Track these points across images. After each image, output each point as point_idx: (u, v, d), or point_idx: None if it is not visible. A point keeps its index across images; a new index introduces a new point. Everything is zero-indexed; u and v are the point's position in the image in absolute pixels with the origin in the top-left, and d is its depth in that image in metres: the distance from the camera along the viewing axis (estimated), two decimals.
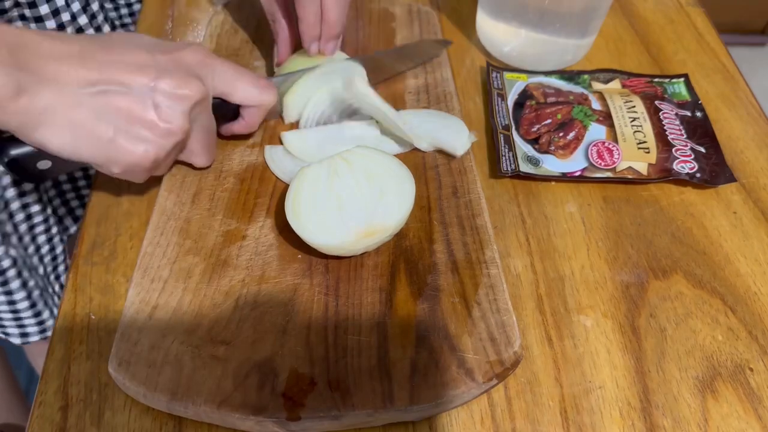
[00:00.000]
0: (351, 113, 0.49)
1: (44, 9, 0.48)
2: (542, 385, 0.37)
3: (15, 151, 0.37)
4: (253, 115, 0.44)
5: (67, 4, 0.50)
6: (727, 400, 0.36)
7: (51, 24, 0.49)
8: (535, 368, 0.37)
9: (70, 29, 0.51)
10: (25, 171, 0.38)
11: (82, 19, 0.52)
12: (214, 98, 0.42)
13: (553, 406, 0.36)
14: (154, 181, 0.47)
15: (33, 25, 0.49)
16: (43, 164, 0.38)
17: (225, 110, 0.44)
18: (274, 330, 0.37)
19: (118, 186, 0.47)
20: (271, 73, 0.53)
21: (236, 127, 0.45)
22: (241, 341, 0.36)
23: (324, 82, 0.48)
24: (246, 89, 0.42)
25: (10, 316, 0.56)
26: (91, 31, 0.53)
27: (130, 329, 0.37)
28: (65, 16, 0.50)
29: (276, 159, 0.46)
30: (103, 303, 0.40)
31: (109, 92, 0.35)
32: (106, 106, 0.35)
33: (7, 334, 0.59)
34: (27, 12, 0.48)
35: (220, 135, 0.46)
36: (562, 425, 0.35)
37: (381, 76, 0.52)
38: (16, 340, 0.59)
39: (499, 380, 0.35)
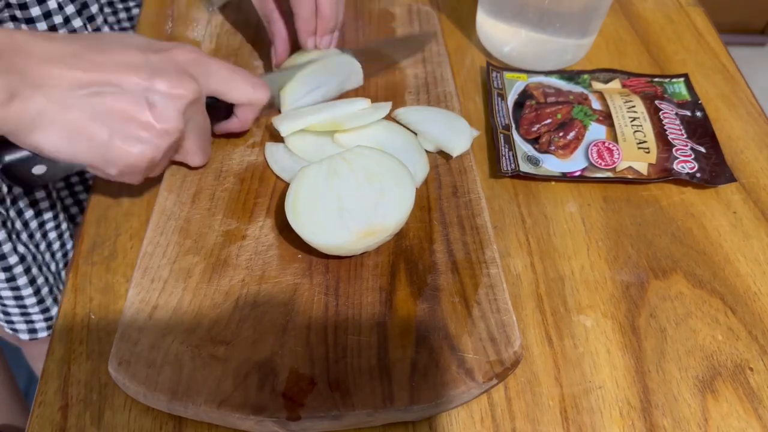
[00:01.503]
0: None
1: (36, 11, 0.48)
2: (542, 385, 0.37)
3: (9, 157, 0.36)
4: (246, 113, 0.44)
5: (60, 7, 0.49)
6: (727, 400, 0.36)
7: (42, 26, 0.49)
8: (535, 368, 0.37)
9: (63, 31, 0.50)
10: (19, 177, 0.38)
11: (77, 22, 0.51)
12: (207, 97, 0.42)
13: (553, 406, 0.36)
14: (153, 181, 0.47)
15: (24, 26, 0.49)
16: (38, 169, 0.38)
17: (218, 109, 0.43)
18: (274, 330, 0.37)
19: (118, 186, 0.47)
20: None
21: (230, 125, 0.45)
22: (241, 341, 0.36)
23: (321, 76, 0.49)
24: (239, 87, 0.42)
25: (17, 311, 0.57)
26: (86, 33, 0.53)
27: (130, 329, 0.37)
28: (57, 19, 0.49)
29: (277, 157, 0.46)
30: (103, 303, 0.40)
31: (103, 93, 0.35)
32: (100, 108, 0.35)
33: (15, 330, 0.59)
34: (18, 13, 0.47)
35: (214, 134, 0.46)
36: (562, 425, 0.35)
37: (377, 66, 0.52)
38: (25, 336, 0.59)
39: (499, 380, 0.35)
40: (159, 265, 0.40)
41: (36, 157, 0.37)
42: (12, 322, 0.58)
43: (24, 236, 0.52)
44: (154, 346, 0.36)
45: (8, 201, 0.50)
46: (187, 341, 0.36)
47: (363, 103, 0.47)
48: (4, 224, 0.50)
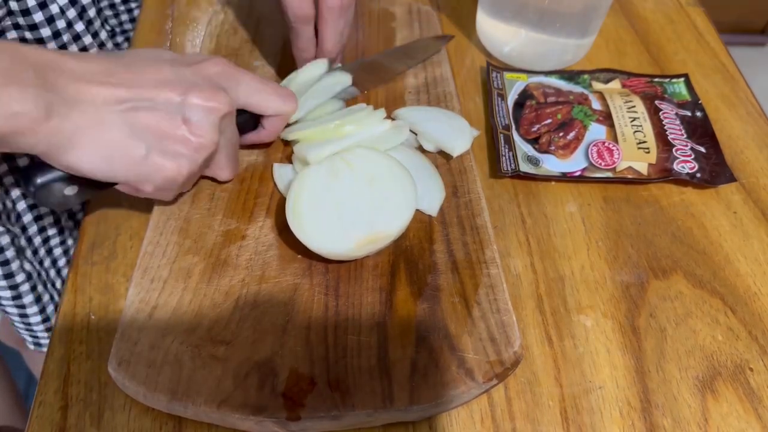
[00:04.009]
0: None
1: (38, 17, 0.47)
2: (542, 385, 0.37)
3: (42, 179, 0.36)
4: (275, 124, 0.44)
5: (62, 12, 0.49)
6: (727, 400, 0.36)
7: (46, 32, 0.48)
8: (535, 368, 0.37)
9: (66, 36, 0.50)
10: (51, 198, 0.37)
11: (79, 26, 0.51)
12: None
13: (553, 406, 0.36)
14: None
15: (27, 34, 0.48)
16: (70, 190, 0.37)
17: (246, 121, 0.43)
18: (274, 330, 0.37)
19: None
20: (274, 74, 0.53)
21: (257, 136, 0.45)
22: (241, 341, 0.36)
23: (314, 99, 0.48)
24: (270, 99, 0.42)
25: (23, 327, 0.56)
26: (88, 37, 0.52)
27: (129, 329, 0.37)
28: (60, 24, 0.49)
29: (285, 178, 0.45)
30: (103, 303, 0.40)
31: (139, 109, 0.35)
32: (136, 124, 0.35)
33: (24, 339, 0.59)
34: (21, 20, 0.47)
35: (241, 146, 0.45)
36: (562, 425, 0.35)
37: (380, 80, 0.52)
38: (30, 346, 0.59)
39: (499, 380, 0.35)
40: (159, 265, 0.40)
41: (68, 178, 0.36)
42: (19, 332, 0.58)
43: (29, 253, 0.52)
44: (154, 346, 0.36)
45: (13, 217, 0.50)
46: (187, 341, 0.36)
47: (381, 118, 0.46)
48: (13, 242, 0.49)
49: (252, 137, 0.45)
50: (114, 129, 0.34)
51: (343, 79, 0.49)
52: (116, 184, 0.38)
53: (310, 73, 0.48)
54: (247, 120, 0.43)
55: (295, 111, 0.44)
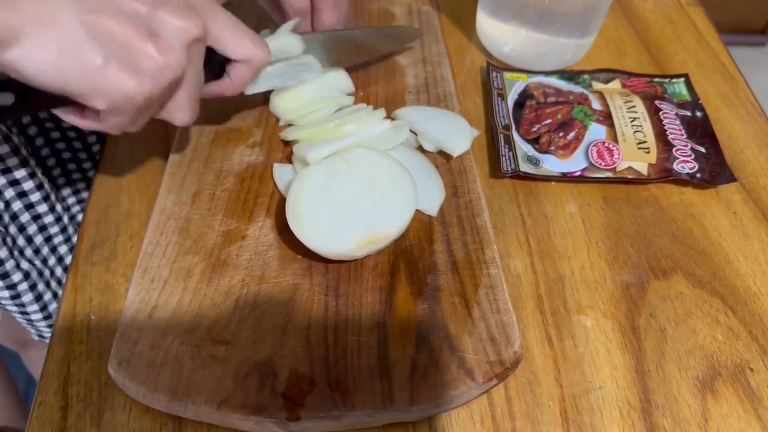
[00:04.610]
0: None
1: None
2: (542, 385, 0.37)
3: None
4: (241, 73, 0.41)
5: None
6: (727, 400, 0.36)
7: None
8: (535, 368, 0.37)
9: None
10: None
11: None
12: None
13: (553, 406, 0.36)
14: (154, 181, 0.47)
15: None
16: (5, 98, 0.32)
17: (211, 64, 0.39)
18: (274, 330, 0.37)
19: (118, 185, 0.47)
20: None
21: (221, 86, 0.41)
22: (241, 341, 0.36)
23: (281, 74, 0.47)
24: (241, 40, 0.39)
25: (25, 322, 0.57)
26: None
27: (130, 329, 0.37)
28: None
29: (285, 178, 0.45)
30: (103, 303, 0.40)
31: (101, 12, 0.31)
32: (97, 27, 0.31)
33: (29, 330, 0.59)
34: None
35: (203, 96, 0.41)
36: (562, 425, 0.35)
37: (356, 56, 0.51)
38: (35, 337, 0.60)
39: (499, 380, 0.35)
40: (159, 265, 0.40)
41: (5, 83, 0.32)
42: (22, 325, 0.58)
43: (29, 252, 0.52)
44: (154, 346, 0.36)
45: (6, 218, 0.50)
46: (187, 341, 0.36)
47: (381, 118, 0.46)
48: (5, 241, 0.49)
49: (214, 88, 0.41)
50: (71, 28, 0.30)
51: (308, 60, 0.47)
52: (60, 100, 0.33)
53: (280, 43, 0.46)
54: (214, 64, 0.40)
55: (266, 59, 0.41)
